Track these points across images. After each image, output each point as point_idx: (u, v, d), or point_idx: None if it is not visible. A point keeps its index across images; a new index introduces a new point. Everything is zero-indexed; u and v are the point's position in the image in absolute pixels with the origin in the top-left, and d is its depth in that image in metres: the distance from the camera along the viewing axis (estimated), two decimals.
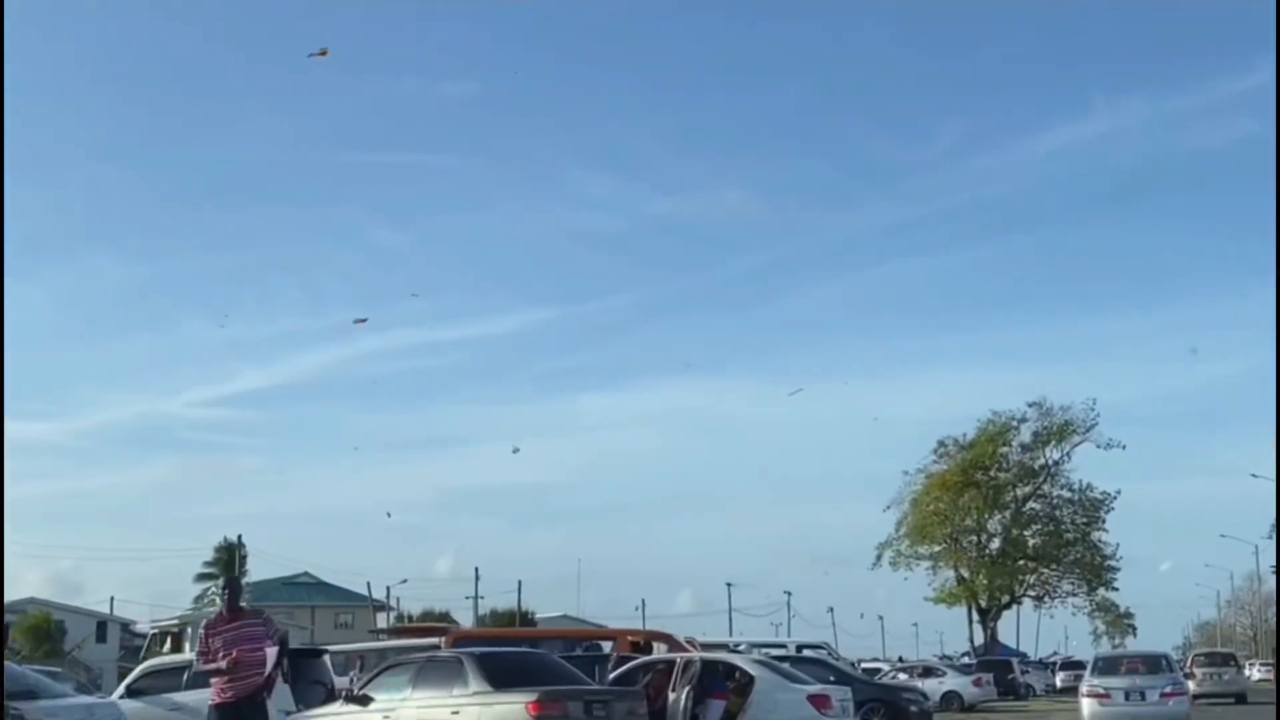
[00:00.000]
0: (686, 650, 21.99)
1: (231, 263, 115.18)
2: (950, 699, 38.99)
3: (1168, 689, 22.07)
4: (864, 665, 47.21)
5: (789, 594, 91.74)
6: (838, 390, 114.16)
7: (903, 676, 40.57)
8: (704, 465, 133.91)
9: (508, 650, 17.57)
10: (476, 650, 14.82)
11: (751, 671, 17.05)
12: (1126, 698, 21.86)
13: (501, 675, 12.89)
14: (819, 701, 16.47)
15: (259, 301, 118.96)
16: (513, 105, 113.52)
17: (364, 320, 73.95)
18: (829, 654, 34.10)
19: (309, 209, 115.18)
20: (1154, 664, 23.68)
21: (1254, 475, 75.43)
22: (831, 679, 24.83)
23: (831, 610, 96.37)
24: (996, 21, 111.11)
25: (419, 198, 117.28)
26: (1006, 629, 76.61)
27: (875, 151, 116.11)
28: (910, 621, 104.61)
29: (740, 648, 27.12)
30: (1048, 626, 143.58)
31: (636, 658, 19.09)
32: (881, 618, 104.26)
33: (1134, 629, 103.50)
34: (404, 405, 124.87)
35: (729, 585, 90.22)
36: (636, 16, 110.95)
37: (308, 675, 16.42)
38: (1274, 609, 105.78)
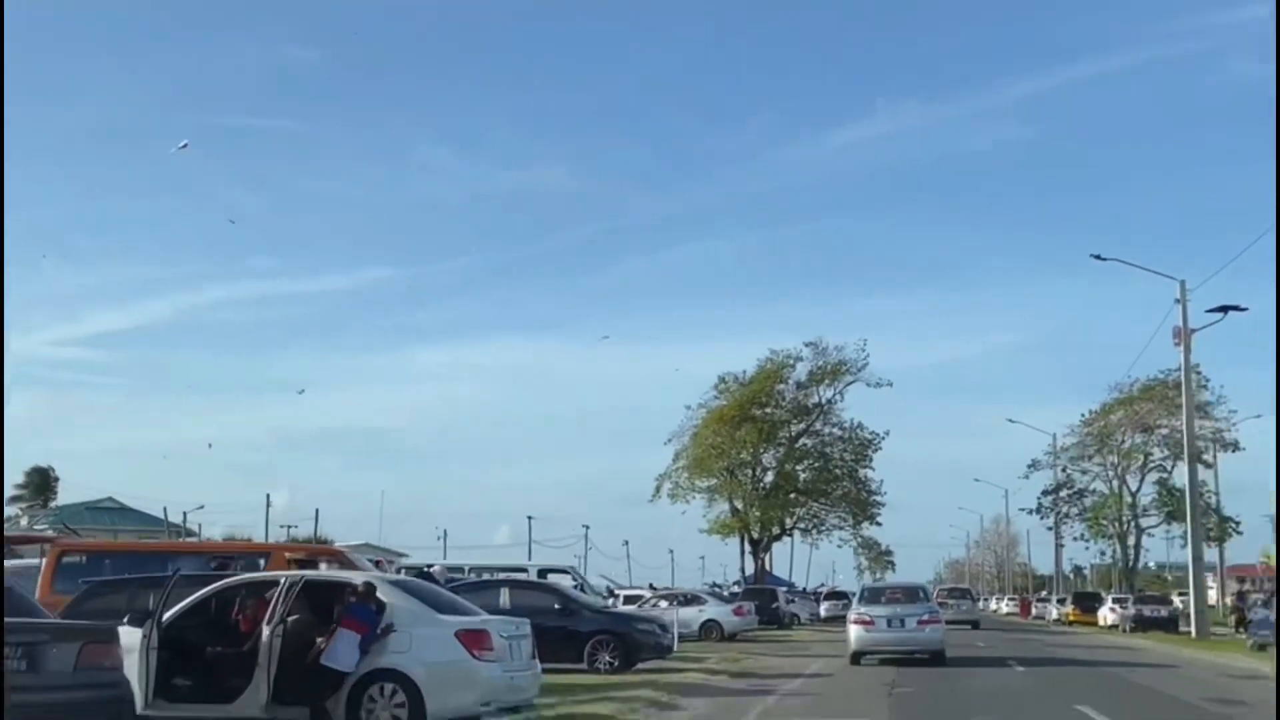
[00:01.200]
0: (362, 570, 15.60)
1: (93, 211, 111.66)
2: (710, 628, 33.75)
3: (924, 617, 22.27)
4: (625, 593, 41.65)
5: (587, 528, 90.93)
6: (647, 350, 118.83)
7: (663, 605, 35.08)
8: (526, 414, 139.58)
9: None
10: None
11: (382, 597, 10.60)
12: (888, 624, 21.97)
13: None
14: (472, 639, 10.30)
15: (119, 250, 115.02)
16: (357, 75, 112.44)
17: (185, 145, 63.66)
18: (574, 579, 28.00)
19: (166, 166, 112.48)
20: (913, 594, 23.92)
21: (1010, 420, 74.46)
22: (555, 606, 19.45)
23: (627, 543, 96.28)
24: (798, 27, 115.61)
25: (270, 160, 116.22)
26: (780, 561, 75.79)
27: (689, 141, 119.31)
28: (699, 554, 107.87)
29: (433, 569, 20.75)
30: (818, 560, 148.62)
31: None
32: (672, 551, 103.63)
33: (893, 565, 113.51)
34: (249, 352, 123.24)
35: (529, 519, 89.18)
36: (479, 5, 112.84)
37: None
38: (1020, 548, 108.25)
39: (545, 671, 19.50)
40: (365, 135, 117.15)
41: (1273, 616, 25.60)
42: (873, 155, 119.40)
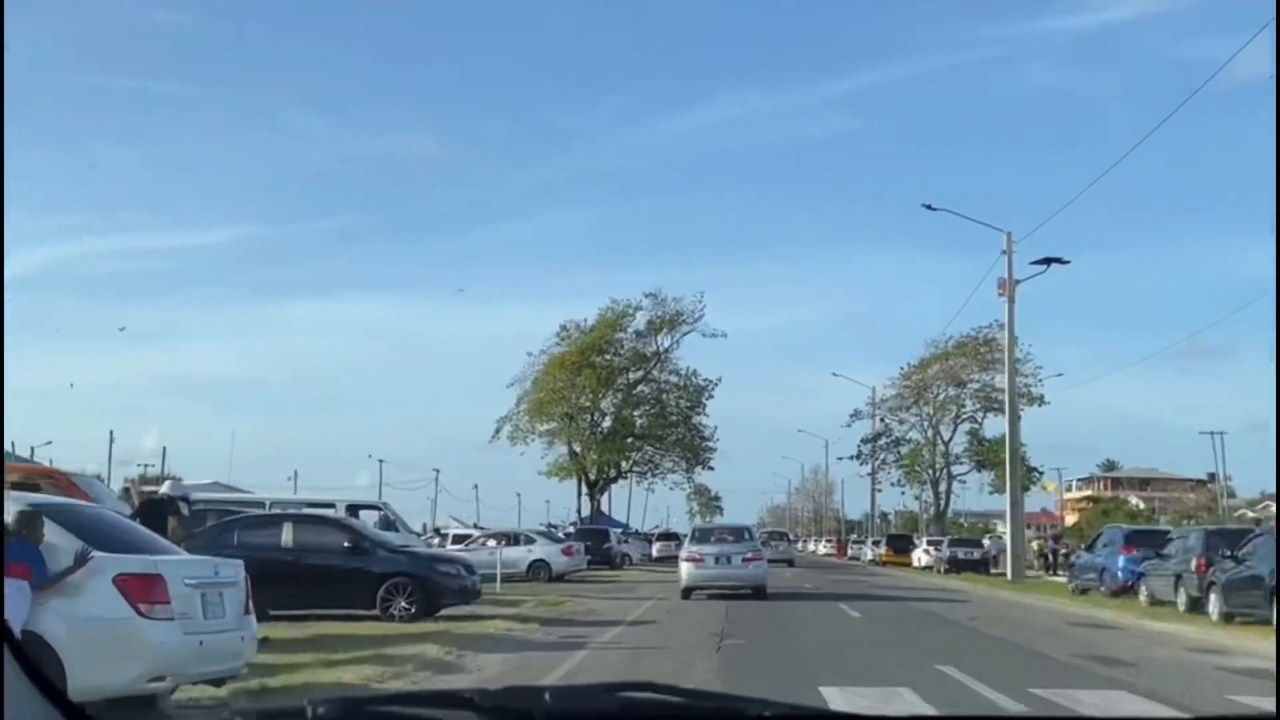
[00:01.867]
0: (92, 497, 11.91)
1: None
2: (538, 568, 30.85)
3: (749, 555, 22.66)
4: (453, 532, 38.36)
5: (437, 471, 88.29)
6: (499, 310, 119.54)
7: (491, 544, 32.00)
8: (387, 366, 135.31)
9: None
10: None
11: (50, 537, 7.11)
12: (716, 562, 22.37)
13: None
14: (136, 587, 6.91)
15: None
16: (227, 41, 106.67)
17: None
18: (387, 515, 24.50)
19: (42, 123, 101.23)
20: (739, 535, 24.05)
21: (835, 374, 74.13)
22: (345, 545, 16.23)
23: (476, 487, 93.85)
24: (649, 14, 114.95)
25: (141, 119, 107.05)
26: (618, 504, 74.59)
27: (546, 118, 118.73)
28: (545, 498, 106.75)
29: (161, 491, 17.12)
30: (653, 503, 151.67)
31: None
32: (519, 495, 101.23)
33: (721, 509, 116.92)
34: (121, 301, 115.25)
35: (380, 462, 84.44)
36: None
37: None
38: (835, 495, 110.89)
39: (332, 619, 16.38)
40: (236, 100, 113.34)
41: (1100, 562, 24.26)
42: (716, 139, 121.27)
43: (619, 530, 67.94)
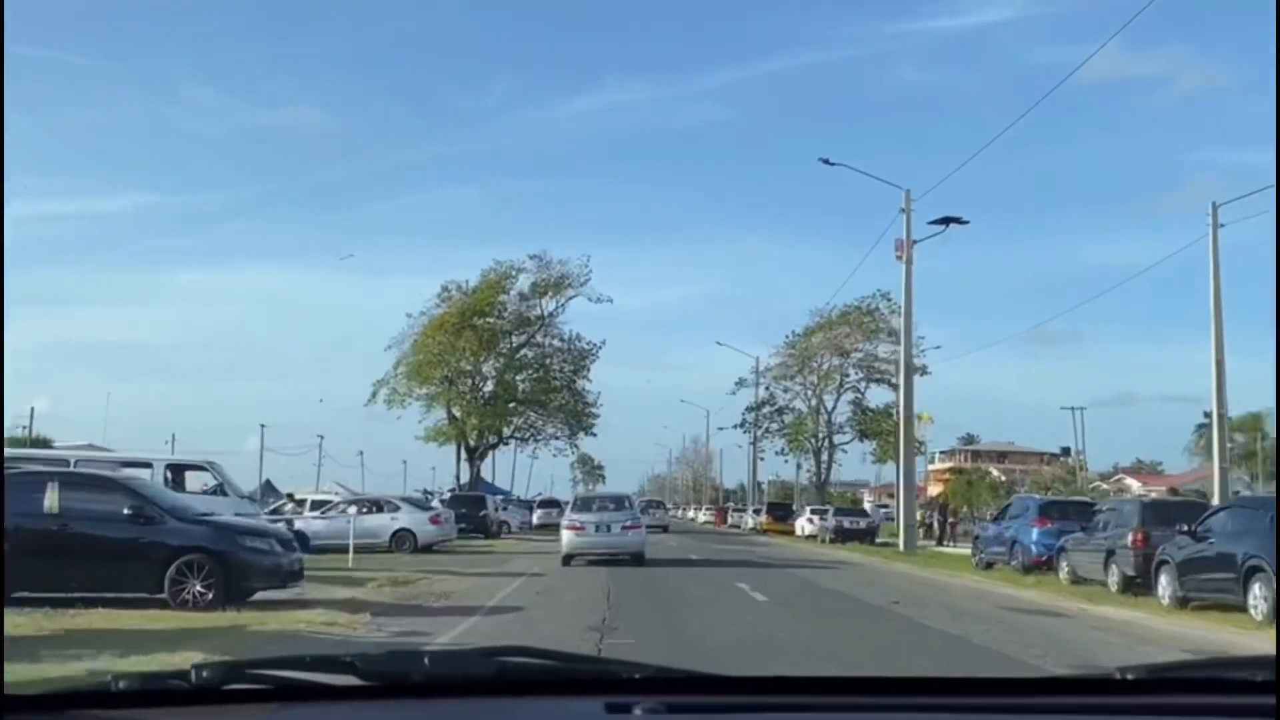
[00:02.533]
0: None
1: None
2: (402, 538, 26.79)
3: (628, 523, 22.15)
4: (314, 498, 33.76)
5: (321, 437, 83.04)
6: (386, 282, 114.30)
7: (353, 510, 27.83)
8: (276, 334, 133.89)
9: None
10: None
11: None
12: (596, 529, 21.89)
13: None
14: None
15: None
16: (126, 12, 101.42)
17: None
18: (214, 477, 20.07)
19: None
20: (620, 503, 23.74)
21: (719, 343, 71.62)
22: (125, 512, 12.34)
23: (361, 453, 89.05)
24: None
25: (39, 86, 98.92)
26: (503, 472, 71.07)
27: (438, 97, 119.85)
28: (431, 465, 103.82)
29: None
30: (538, 470, 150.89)
31: None
32: (405, 461, 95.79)
33: (604, 478, 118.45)
34: (17, 268, 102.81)
35: (262, 426, 77.75)
36: None
37: None
38: (714, 464, 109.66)
39: (112, 605, 12.21)
40: (133, 71, 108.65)
41: (1009, 535, 21.47)
42: (603, 123, 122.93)
43: (500, 497, 64.12)
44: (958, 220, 30.50)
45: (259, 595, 12.45)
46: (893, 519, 45.08)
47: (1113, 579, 16.24)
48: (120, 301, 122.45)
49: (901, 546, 29.28)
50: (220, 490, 19.23)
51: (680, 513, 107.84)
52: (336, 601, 12.70)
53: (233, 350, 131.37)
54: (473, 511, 37.31)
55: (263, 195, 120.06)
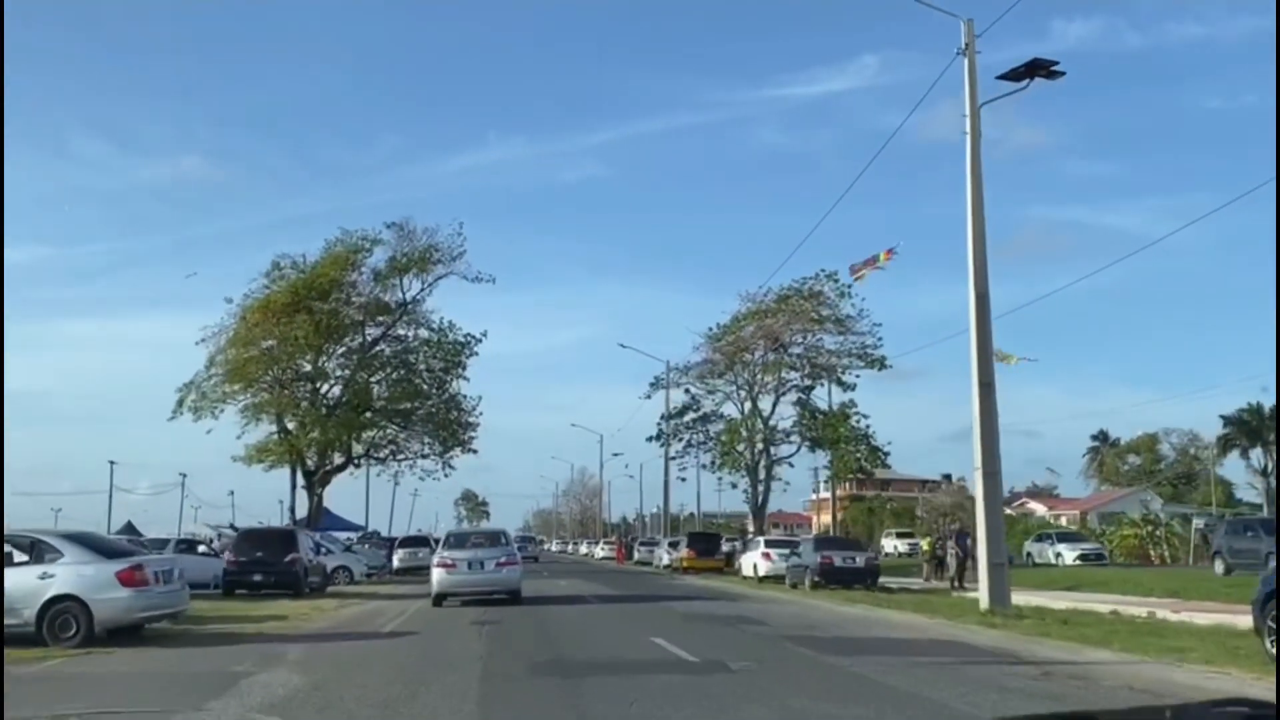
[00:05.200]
0: None
1: None
2: (61, 615, 13.55)
3: (503, 559, 21.08)
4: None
5: (184, 475, 77.48)
6: None
7: None
8: (167, 378, 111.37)
9: None
10: None
11: None
12: (469, 567, 20.80)
13: None
14: None
15: None
16: (17, 69, 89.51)
17: None
18: None
19: None
20: (495, 539, 22.62)
21: (621, 345, 59.40)
22: None
23: (232, 493, 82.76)
24: (422, 63, 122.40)
25: None
26: (380, 510, 57.56)
27: (324, 152, 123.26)
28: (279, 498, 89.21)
29: None
30: (420, 508, 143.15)
31: None
32: (281, 502, 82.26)
33: (488, 514, 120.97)
34: None
35: (112, 463, 69.52)
36: (133, 11, 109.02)
37: None
38: (602, 496, 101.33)
39: None
40: (23, 125, 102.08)
41: None
42: (485, 179, 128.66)
43: (349, 535, 49.42)
44: (1049, 66, 18.78)
45: None
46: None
47: None
48: (13, 350, 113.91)
49: (985, 600, 16.72)
50: None
51: (571, 548, 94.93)
52: None
53: (120, 395, 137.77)
54: (273, 556, 23.63)
55: (150, 248, 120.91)
